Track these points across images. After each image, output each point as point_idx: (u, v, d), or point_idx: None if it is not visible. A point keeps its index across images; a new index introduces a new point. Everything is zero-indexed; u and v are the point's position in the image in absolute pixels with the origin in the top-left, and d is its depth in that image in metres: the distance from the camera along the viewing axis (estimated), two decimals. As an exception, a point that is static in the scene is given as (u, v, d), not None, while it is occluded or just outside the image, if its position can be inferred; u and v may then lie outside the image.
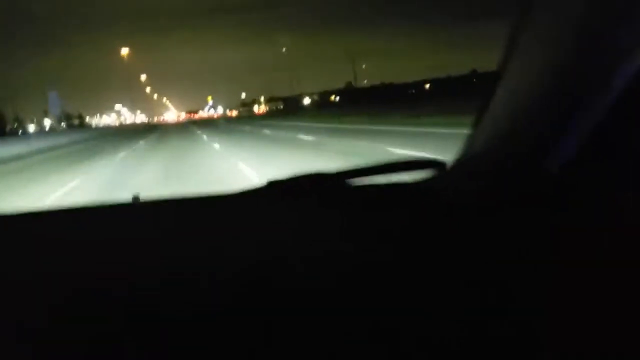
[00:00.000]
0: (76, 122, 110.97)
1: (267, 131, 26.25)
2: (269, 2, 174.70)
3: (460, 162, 1.04)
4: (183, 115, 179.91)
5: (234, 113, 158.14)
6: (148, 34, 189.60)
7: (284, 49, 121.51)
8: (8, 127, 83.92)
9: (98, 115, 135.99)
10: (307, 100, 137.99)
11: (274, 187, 1.19)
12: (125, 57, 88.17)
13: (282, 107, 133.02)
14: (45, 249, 0.92)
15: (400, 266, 0.75)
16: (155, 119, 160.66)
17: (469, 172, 0.99)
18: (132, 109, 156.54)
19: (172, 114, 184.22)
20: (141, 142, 26.75)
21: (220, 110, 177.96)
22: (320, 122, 29.63)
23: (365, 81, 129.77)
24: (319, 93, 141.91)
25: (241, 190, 1.25)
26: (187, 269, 0.78)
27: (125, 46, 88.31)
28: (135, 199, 1.34)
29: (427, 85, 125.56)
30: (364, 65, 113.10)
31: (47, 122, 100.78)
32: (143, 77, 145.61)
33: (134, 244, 0.93)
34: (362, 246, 0.83)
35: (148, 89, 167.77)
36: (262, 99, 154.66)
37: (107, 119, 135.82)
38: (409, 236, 0.86)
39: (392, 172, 1.15)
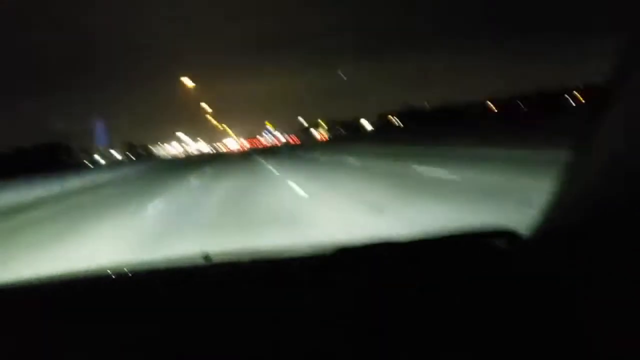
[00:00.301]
0: (142, 152, 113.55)
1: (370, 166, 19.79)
2: (328, 30, 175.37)
3: (537, 233, 0.98)
4: (243, 141, 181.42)
5: (293, 138, 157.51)
6: (209, 62, 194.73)
7: (339, 72, 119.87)
8: (75, 159, 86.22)
9: (159, 143, 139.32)
10: (365, 122, 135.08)
11: (345, 255, 1.19)
12: (188, 86, 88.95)
13: (344, 131, 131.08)
14: (125, 311, 0.96)
15: (476, 343, 0.74)
16: (217, 146, 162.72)
17: (547, 244, 0.93)
18: (194, 136, 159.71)
19: (232, 140, 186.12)
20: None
21: (278, 134, 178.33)
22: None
23: (427, 102, 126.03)
24: (379, 115, 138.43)
25: (312, 253, 1.27)
26: (258, 342, 0.81)
27: (187, 75, 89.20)
28: (207, 257, 1.33)
29: (492, 106, 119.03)
30: (424, 88, 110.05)
31: (115, 154, 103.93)
32: (204, 104, 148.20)
33: (203, 314, 0.95)
34: (436, 319, 0.81)
35: (209, 116, 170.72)
36: (321, 122, 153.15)
37: (171, 149, 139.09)
38: (485, 311, 0.83)
39: (463, 241, 1.16)
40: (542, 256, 0.92)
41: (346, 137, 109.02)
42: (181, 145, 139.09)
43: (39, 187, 22.62)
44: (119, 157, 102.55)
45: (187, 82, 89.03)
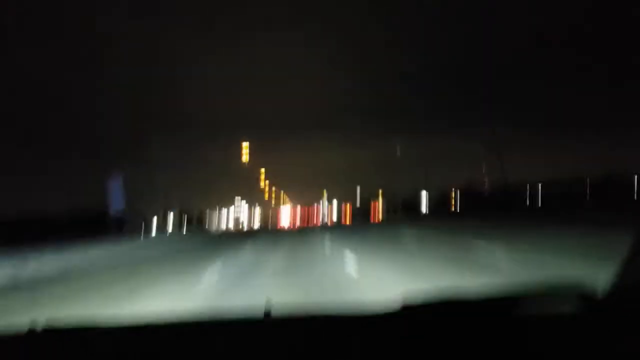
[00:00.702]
0: (194, 221, 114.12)
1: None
2: (385, 106, 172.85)
3: (613, 293, 0.97)
4: (297, 210, 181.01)
5: (349, 208, 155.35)
6: (267, 129, 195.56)
7: (398, 149, 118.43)
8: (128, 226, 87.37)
9: (209, 210, 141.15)
10: (424, 198, 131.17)
11: (409, 311, 1.17)
12: (246, 152, 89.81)
13: (400, 206, 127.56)
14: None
15: None
16: (271, 213, 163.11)
17: (623, 306, 0.92)
18: (251, 204, 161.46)
19: (287, 209, 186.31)
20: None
21: (334, 204, 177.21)
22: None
23: (486, 180, 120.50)
24: (438, 190, 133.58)
25: (374, 312, 1.26)
26: None
27: (245, 141, 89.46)
28: (267, 312, 1.35)
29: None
30: (483, 164, 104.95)
31: (171, 225, 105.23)
32: (262, 170, 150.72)
33: None
34: None
35: (266, 182, 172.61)
36: (380, 193, 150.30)
37: (224, 218, 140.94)
38: None
39: (536, 299, 1.11)
40: (619, 317, 0.88)
41: (403, 210, 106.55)
42: (236, 211, 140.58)
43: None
44: (170, 224, 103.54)
45: (245, 147, 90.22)
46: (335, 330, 1.25)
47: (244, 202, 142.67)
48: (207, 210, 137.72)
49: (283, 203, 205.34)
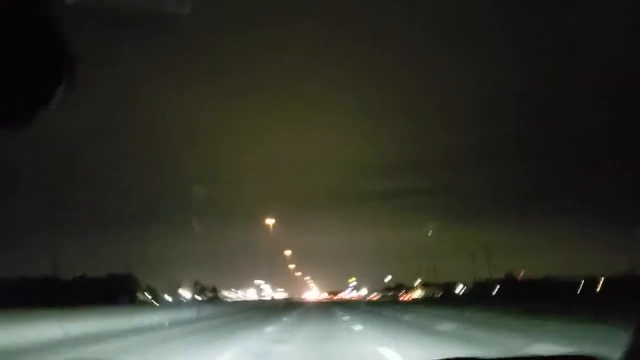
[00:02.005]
0: (210, 295, 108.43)
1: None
2: (418, 189, 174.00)
3: None
4: (324, 295, 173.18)
5: (376, 296, 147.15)
6: (294, 211, 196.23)
7: (429, 233, 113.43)
8: (144, 296, 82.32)
9: (233, 289, 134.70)
10: (459, 289, 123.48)
11: None
12: (271, 230, 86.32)
13: (440, 294, 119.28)
14: None
15: None
16: (297, 297, 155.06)
17: None
18: (273, 285, 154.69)
19: (313, 294, 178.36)
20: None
21: (364, 292, 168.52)
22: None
23: (522, 273, 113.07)
24: (474, 282, 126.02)
25: None
26: None
27: (270, 220, 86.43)
28: None
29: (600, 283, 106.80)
30: (520, 261, 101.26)
31: (186, 294, 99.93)
32: (287, 252, 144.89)
33: None
34: None
35: (292, 266, 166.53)
36: (417, 282, 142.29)
37: (242, 294, 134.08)
38: None
39: None
40: None
41: (435, 299, 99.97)
42: (258, 293, 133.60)
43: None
44: (187, 297, 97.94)
45: (270, 225, 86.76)
46: None
47: (267, 285, 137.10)
48: (227, 287, 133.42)
49: (309, 288, 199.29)
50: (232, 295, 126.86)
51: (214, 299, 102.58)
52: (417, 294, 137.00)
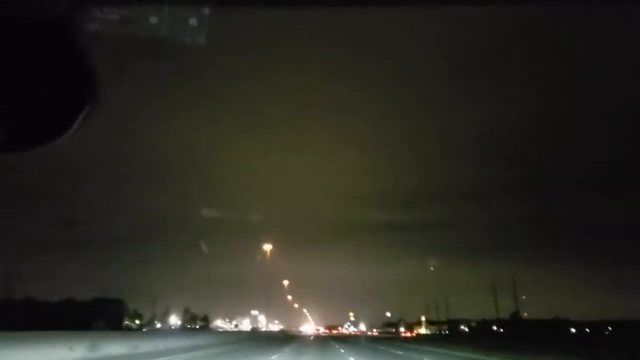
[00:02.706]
0: (201, 324, 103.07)
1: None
2: (419, 223, 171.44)
3: None
4: (321, 330, 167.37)
5: (375, 332, 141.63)
6: (293, 243, 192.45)
7: (431, 268, 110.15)
8: (135, 321, 78.20)
9: (227, 319, 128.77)
10: (464, 328, 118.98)
11: None
12: (268, 256, 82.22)
13: (447, 331, 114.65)
14: None
15: None
16: (294, 330, 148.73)
17: None
18: (269, 316, 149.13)
19: (310, 327, 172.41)
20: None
21: (363, 327, 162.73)
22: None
23: (525, 314, 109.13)
24: (478, 321, 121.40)
25: None
26: None
27: (268, 247, 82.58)
28: None
29: (609, 328, 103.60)
30: (524, 297, 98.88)
31: (174, 321, 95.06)
32: (285, 282, 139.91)
33: None
34: None
35: (289, 297, 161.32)
36: (423, 319, 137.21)
37: (236, 324, 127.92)
38: None
39: None
40: None
41: (443, 336, 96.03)
42: (253, 324, 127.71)
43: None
44: (175, 323, 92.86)
45: (267, 251, 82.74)
46: None
47: (262, 316, 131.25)
48: (222, 317, 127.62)
49: (307, 321, 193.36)
50: (225, 325, 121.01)
51: (205, 328, 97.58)
52: (422, 330, 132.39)
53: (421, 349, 36.09)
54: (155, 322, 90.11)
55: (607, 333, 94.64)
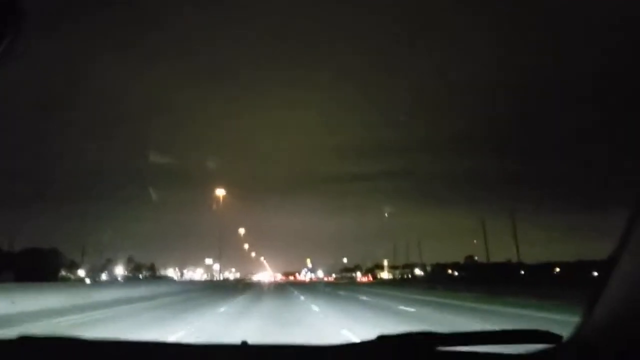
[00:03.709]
0: (147, 273, 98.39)
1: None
2: (376, 173, 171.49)
3: (575, 338, 1.09)
4: (278, 277, 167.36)
5: (332, 278, 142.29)
6: (250, 192, 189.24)
7: (385, 214, 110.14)
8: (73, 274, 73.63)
9: (177, 268, 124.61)
10: (418, 272, 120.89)
11: (384, 343, 1.24)
12: (221, 202, 78.05)
13: (409, 275, 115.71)
14: None
15: None
16: (250, 278, 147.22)
17: (584, 349, 1.05)
18: (225, 264, 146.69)
19: (267, 275, 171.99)
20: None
21: (320, 274, 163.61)
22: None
23: (477, 257, 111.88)
24: (433, 265, 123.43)
25: (351, 343, 1.33)
26: None
27: (221, 192, 78.44)
28: (244, 343, 1.46)
29: (557, 269, 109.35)
30: (475, 241, 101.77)
31: (120, 272, 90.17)
32: (241, 230, 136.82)
33: None
34: None
35: (246, 246, 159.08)
36: (385, 263, 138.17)
37: (189, 273, 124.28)
38: None
39: (506, 342, 1.21)
40: (580, 358, 1.04)
41: (405, 280, 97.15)
42: (208, 273, 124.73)
43: None
44: (119, 275, 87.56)
45: (220, 197, 78.46)
46: (311, 355, 1.36)
47: (216, 264, 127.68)
48: (167, 268, 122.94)
49: (264, 269, 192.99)
50: (175, 274, 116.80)
51: (152, 277, 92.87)
52: (385, 275, 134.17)
53: (387, 293, 34.29)
54: (101, 274, 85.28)
55: (555, 273, 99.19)
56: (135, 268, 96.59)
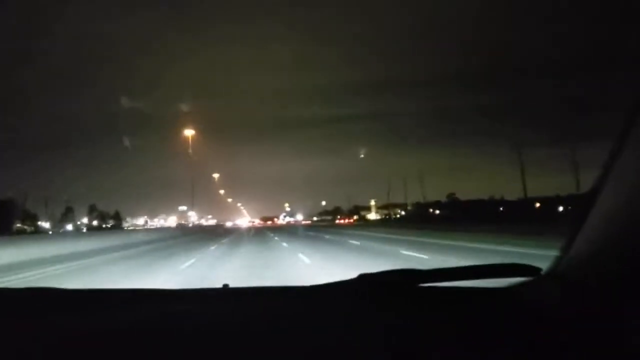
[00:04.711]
0: (112, 222, 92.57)
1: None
2: (351, 115, 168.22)
3: (554, 271, 1.13)
4: (256, 222, 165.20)
5: (311, 221, 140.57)
6: (224, 137, 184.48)
7: (361, 155, 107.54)
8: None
9: (145, 216, 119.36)
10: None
11: (365, 281, 1.27)
12: (190, 143, 72.89)
13: (395, 215, 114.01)
14: (148, 329, 1.08)
15: None
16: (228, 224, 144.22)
17: (563, 282, 1.08)
18: (201, 211, 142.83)
19: (244, 220, 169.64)
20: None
21: (299, 217, 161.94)
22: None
23: (447, 195, 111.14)
24: (413, 204, 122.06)
25: (332, 282, 1.33)
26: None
27: (190, 132, 73.37)
28: (225, 286, 1.50)
29: (537, 205, 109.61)
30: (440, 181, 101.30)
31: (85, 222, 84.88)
32: (216, 175, 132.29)
33: (220, 329, 1.06)
34: (441, 351, 0.89)
35: (222, 192, 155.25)
36: (372, 203, 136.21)
37: (160, 222, 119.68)
38: (488, 343, 0.92)
39: (486, 276, 1.23)
40: (558, 290, 1.06)
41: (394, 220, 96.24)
42: (183, 220, 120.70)
43: None
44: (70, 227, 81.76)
45: (189, 137, 73.28)
46: (292, 295, 1.35)
47: (191, 212, 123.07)
48: (135, 217, 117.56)
49: (242, 215, 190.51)
50: (144, 222, 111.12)
51: (117, 227, 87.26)
52: (372, 216, 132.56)
53: (377, 236, 30.99)
54: (65, 225, 80.00)
55: (536, 208, 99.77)
56: (99, 217, 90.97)
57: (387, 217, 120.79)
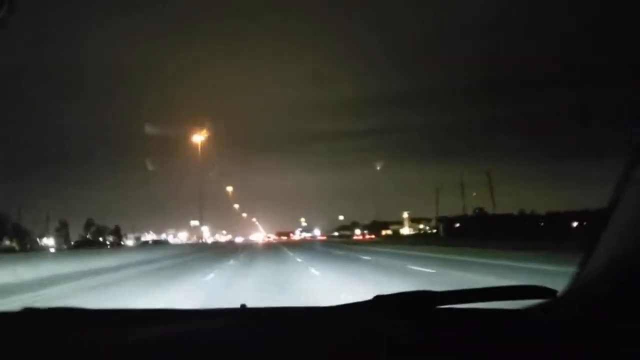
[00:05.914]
0: (111, 239, 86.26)
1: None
2: (367, 129, 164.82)
3: (570, 291, 1.14)
4: (272, 237, 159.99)
5: (324, 237, 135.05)
6: (240, 152, 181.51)
7: (378, 167, 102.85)
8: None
9: (151, 231, 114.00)
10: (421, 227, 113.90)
11: (381, 302, 1.27)
12: (199, 151, 68.21)
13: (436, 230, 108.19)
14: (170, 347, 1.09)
15: None
16: (241, 240, 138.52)
17: (580, 302, 1.09)
18: (214, 227, 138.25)
19: (259, 235, 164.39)
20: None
21: (316, 232, 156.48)
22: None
23: (474, 210, 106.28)
24: (437, 219, 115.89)
25: (348, 303, 1.35)
26: None
27: (200, 138, 68.34)
28: (243, 306, 1.54)
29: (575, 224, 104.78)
30: (474, 194, 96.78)
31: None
32: (229, 188, 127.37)
33: (238, 349, 1.06)
34: None
35: (236, 206, 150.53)
36: (405, 215, 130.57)
37: (168, 237, 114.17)
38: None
39: (502, 298, 1.25)
40: (574, 310, 1.06)
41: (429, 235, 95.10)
42: (195, 235, 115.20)
43: None
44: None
45: (198, 144, 68.37)
46: (309, 316, 1.38)
47: (203, 227, 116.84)
48: (160, 230, 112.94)
49: (254, 230, 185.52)
50: (150, 238, 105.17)
51: (118, 244, 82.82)
52: (405, 230, 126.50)
53: (411, 254, 27.21)
54: (64, 244, 74.44)
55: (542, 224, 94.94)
56: (96, 233, 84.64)
57: (423, 232, 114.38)
